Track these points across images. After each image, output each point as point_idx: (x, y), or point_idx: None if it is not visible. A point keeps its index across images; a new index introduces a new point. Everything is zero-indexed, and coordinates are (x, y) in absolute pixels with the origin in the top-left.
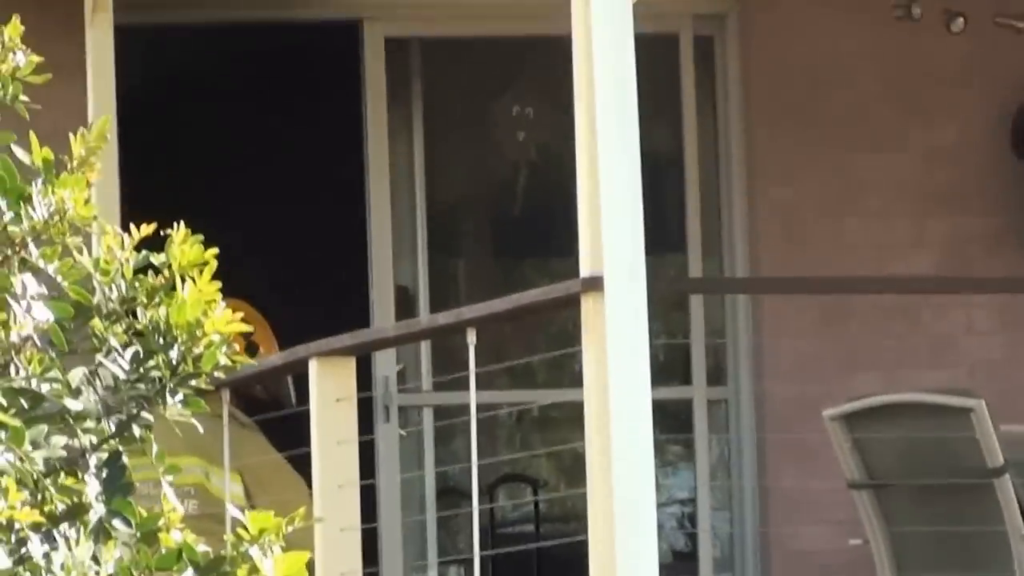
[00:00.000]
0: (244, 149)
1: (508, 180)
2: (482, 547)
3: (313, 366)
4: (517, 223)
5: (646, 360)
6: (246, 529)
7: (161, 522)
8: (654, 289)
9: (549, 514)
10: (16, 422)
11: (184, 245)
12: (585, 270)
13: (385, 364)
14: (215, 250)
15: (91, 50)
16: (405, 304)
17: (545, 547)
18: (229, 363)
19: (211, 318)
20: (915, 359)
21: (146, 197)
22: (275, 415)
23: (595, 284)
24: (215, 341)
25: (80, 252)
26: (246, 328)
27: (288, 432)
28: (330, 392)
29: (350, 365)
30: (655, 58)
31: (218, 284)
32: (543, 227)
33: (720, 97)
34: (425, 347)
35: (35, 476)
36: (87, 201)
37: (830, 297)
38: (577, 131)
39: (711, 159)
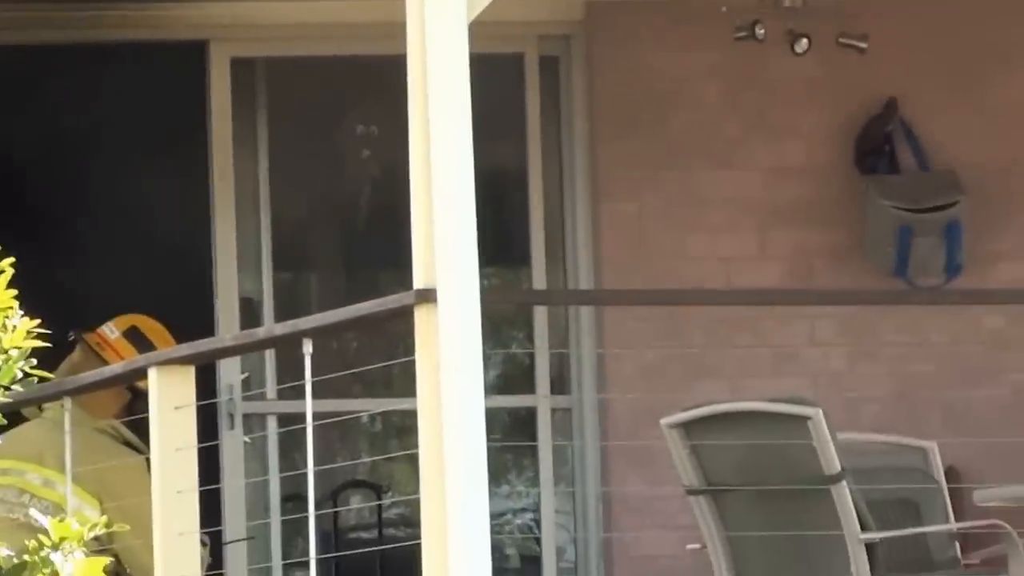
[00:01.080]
0: (90, 167)
1: (353, 195)
2: (326, 551)
3: (152, 375)
4: (363, 237)
5: (479, 370)
6: (48, 536)
7: None
8: (490, 301)
9: (394, 519)
10: None
11: None
12: (419, 282)
13: (230, 373)
14: (11, 259)
15: None
16: (250, 315)
17: (388, 551)
18: (27, 376)
19: (10, 333)
20: (759, 369)
21: None
22: None
23: (428, 296)
24: (13, 356)
25: None
26: (43, 344)
27: None
28: (169, 400)
29: (189, 374)
30: (501, 77)
31: (13, 292)
32: (390, 241)
33: (565, 115)
34: (270, 356)
35: None
36: None
37: (674, 309)
38: (411, 147)
39: (556, 175)
